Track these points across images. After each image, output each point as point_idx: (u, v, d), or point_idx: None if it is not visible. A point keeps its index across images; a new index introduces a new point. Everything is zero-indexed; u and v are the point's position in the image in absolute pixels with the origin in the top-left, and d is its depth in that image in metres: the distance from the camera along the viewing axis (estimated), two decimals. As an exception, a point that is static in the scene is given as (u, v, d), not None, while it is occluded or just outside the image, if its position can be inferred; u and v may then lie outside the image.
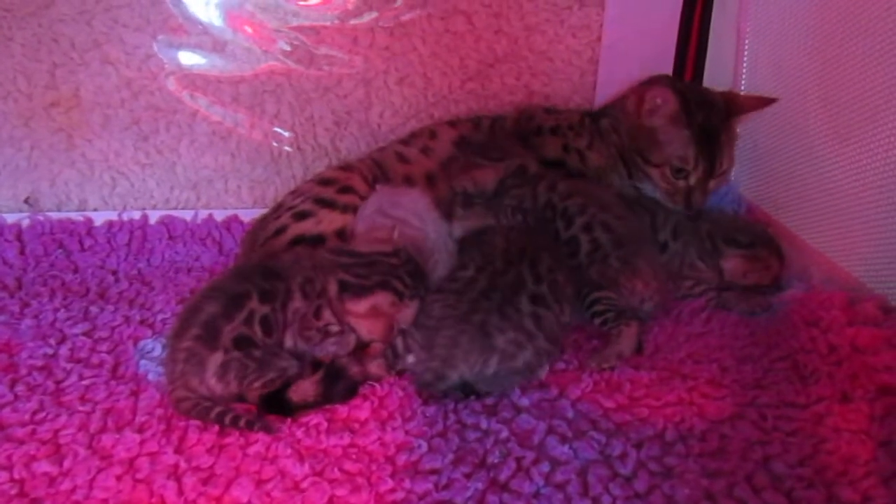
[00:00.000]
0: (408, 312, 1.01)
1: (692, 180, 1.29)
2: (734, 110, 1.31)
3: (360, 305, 1.00)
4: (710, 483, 0.82)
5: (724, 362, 1.05)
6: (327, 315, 1.01)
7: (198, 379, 0.95)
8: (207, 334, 0.96)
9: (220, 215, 1.49)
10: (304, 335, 1.01)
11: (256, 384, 0.96)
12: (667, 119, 1.28)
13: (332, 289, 1.01)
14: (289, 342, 1.01)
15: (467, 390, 0.98)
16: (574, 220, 1.16)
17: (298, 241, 1.17)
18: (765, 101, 1.31)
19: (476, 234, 1.16)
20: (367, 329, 1.01)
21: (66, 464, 0.87)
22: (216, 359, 0.95)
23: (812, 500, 0.78)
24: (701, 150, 1.27)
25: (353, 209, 1.20)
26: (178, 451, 0.89)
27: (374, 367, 1.02)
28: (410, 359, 1.02)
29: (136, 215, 1.47)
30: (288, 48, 1.42)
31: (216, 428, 0.92)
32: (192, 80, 1.42)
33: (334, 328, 1.01)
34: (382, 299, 1.00)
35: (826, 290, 1.08)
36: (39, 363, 1.07)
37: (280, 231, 1.19)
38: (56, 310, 1.22)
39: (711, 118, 1.28)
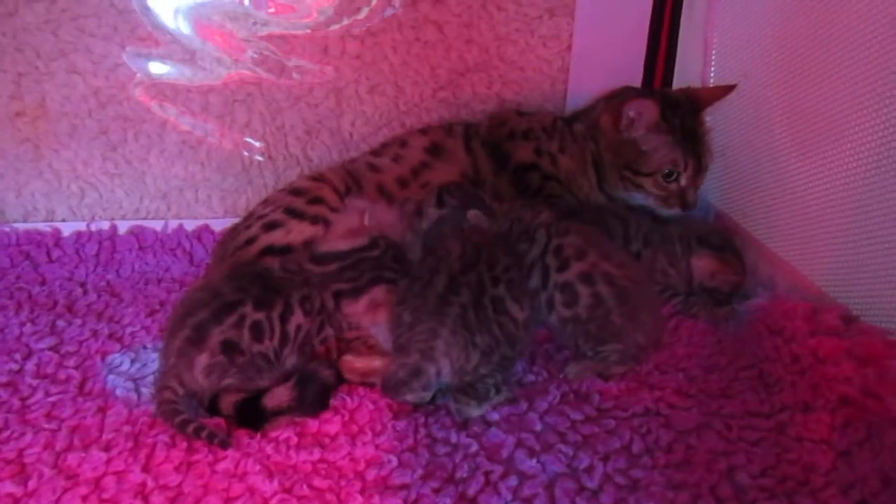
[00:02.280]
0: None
1: (683, 181, 1.33)
2: (699, 104, 1.35)
3: (359, 305, 1.03)
4: (675, 495, 0.83)
5: (690, 371, 1.07)
6: (328, 330, 1.06)
7: (189, 374, 0.97)
8: (197, 336, 0.98)
9: (190, 225, 1.48)
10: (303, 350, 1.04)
11: (231, 394, 0.97)
12: (647, 128, 1.31)
13: (331, 304, 1.05)
14: (290, 360, 1.03)
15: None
16: (570, 264, 1.06)
17: (267, 251, 1.16)
18: (724, 90, 1.34)
19: (434, 243, 1.12)
20: (371, 321, 1.04)
21: (31, 484, 0.86)
22: (203, 360, 0.97)
23: (774, 511, 0.79)
24: (686, 150, 1.31)
25: (323, 220, 1.20)
26: (145, 469, 0.88)
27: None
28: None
29: (105, 226, 1.46)
30: (258, 57, 1.41)
31: (184, 444, 0.92)
32: (161, 89, 1.41)
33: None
34: (378, 293, 1.03)
35: (790, 300, 1.10)
36: (4, 379, 1.06)
37: (250, 241, 1.18)
38: (22, 324, 1.20)
39: (685, 118, 1.32)
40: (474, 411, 0.98)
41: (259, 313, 1.00)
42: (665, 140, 1.31)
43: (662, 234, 1.29)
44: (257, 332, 0.99)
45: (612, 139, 1.35)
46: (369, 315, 1.03)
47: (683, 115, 1.32)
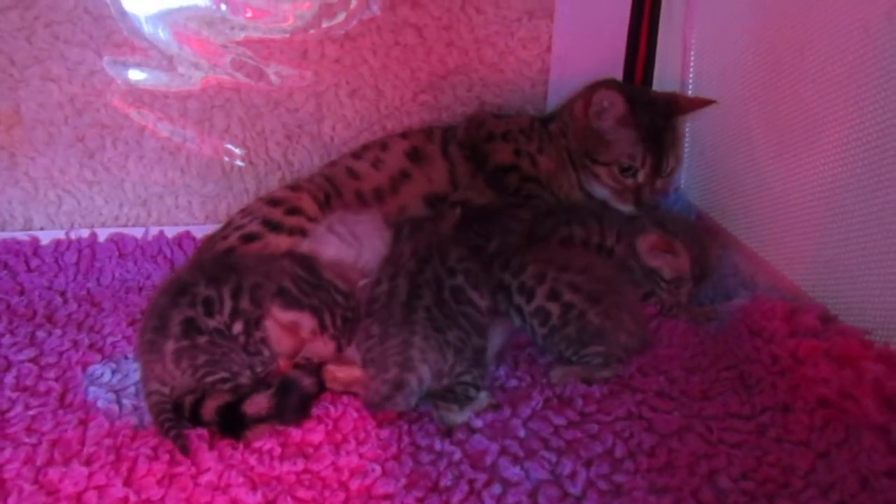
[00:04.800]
0: (321, 347, 1.03)
1: (640, 177, 1.33)
2: (676, 110, 1.36)
3: (285, 316, 1.01)
4: (657, 500, 0.83)
5: (672, 373, 1.07)
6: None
7: (160, 366, 0.99)
8: (161, 324, 1.00)
9: (171, 232, 1.47)
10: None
11: (209, 380, 0.98)
12: (614, 120, 1.32)
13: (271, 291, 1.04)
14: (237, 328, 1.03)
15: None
16: (535, 292, 1.10)
17: None
18: (704, 102, 1.35)
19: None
20: (277, 339, 1.03)
21: (11, 501, 0.85)
22: (169, 346, 0.98)
23: (754, 514, 0.80)
24: (648, 147, 1.31)
25: (301, 231, 1.21)
26: (126, 483, 0.88)
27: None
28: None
29: (85, 233, 1.44)
30: (236, 62, 1.40)
31: (166, 457, 0.91)
32: (138, 95, 1.39)
33: (266, 351, 1.03)
34: (307, 321, 1.01)
35: (769, 300, 1.11)
36: (-17, 393, 1.05)
37: (227, 253, 1.18)
38: (1, 335, 1.19)
39: (656, 118, 1.32)
40: (457, 417, 0.98)
41: (210, 289, 1.02)
42: (627, 134, 1.32)
43: (633, 228, 1.29)
44: (208, 307, 1.01)
45: (581, 125, 1.37)
46: (283, 334, 1.01)
47: (654, 116, 1.32)
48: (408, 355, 0.94)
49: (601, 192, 1.37)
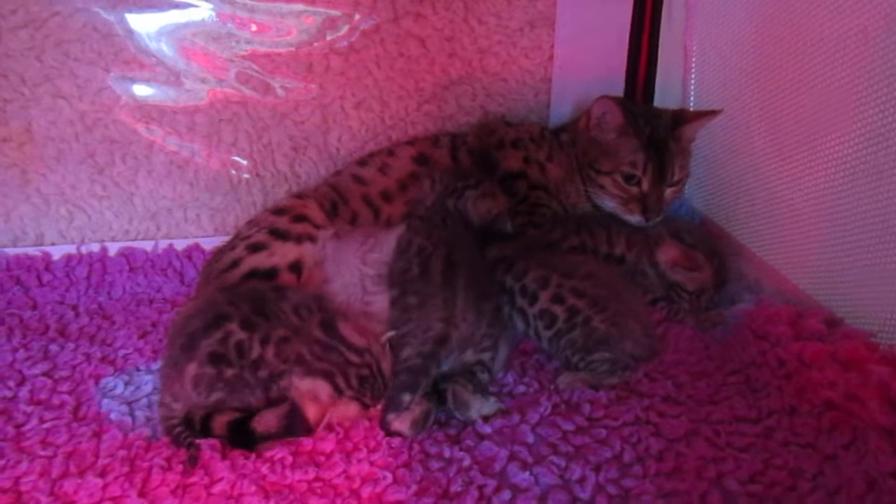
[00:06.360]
0: (345, 410, 0.99)
1: (644, 186, 1.33)
2: (680, 120, 1.35)
3: (303, 384, 0.98)
4: (665, 504, 0.84)
5: (679, 378, 1.08)
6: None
7: (178, 384, 0.98)
8: (189, 344, 0.99)
9: (180, 245, 1.49)
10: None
11: (223, 414, 0.98)
12: (614, 129, 1.33)
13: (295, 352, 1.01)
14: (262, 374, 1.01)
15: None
16: (538, 295, 1.13)
17: (252, 274, 1.17)
18: (710, 113, 1.35)
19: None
20: (302, 406, 0.97)
21: (28, 513, 0.86)
22: (192, 369, 0.97)
23: (762, 518, 0.81)
24: (650, 155, 1.32)
25: (308, 238, 1.21)
26: (141, 494, 0.89)
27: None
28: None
29: (95, 248, 1.46)
30: (242, 76, 1.42)
31: (180, 468, 0.92)
32: (147, 111, 1.41)
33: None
34: (321, 387, 0.97)
35: (774, 304, 1.11)
36: (-2, 407, 1.06)
37: (234, 264, 1.19)
38: (14, 349, 1.20)
39: (659, 129, 1.33)
40: (472, 402, 1.00)
41: (243, 333, 1.00)
42: (628, 142, 1.32)
43: (645, 235, 1.31)
44: (239, 351, 0.99)
45: (585, 138, 1.38)
46: (306, 402, 0.97)
47: (657, 126, 1.33)
48: (451, 311, 0.99)
49: (609, 204, 1.37)
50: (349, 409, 0.99)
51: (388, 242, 1.16)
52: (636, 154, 1.32)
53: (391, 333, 1.03)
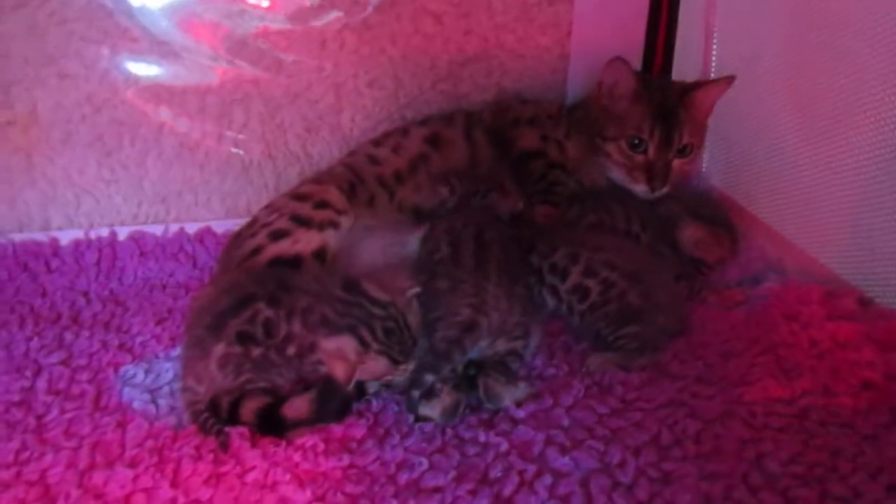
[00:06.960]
0: (373, 366, 0.96)
1: (651, 152, 1.30)
2: (692, 87, 1.32)
3: (329, 344, 0.95)
4: (708, 486, 0.83)
5: (708, 359, 1.07)
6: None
7: (202, 364, 0.97)
8: (215, 324, 0.98)
9: (191, 228, 1.45)
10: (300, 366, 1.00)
11: (249, 387, 0.97)
12: (623, 96, 1.30)
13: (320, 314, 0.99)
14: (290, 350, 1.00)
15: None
16: (570, 270, 1.11)
17: (275, 262, 1.15)
18: (724, 81, 1.31)
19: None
20: (332, 368, 0.96)
21: (60, 506, 0.84)
22: (219, 349, 0.96)
23: (807, 499, 0.80)
24: (656, 120, 1.28)
25: (332, 225, 1.19)
26: (173, 484, 0.87)
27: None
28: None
29: (104, 232, 1.42)
30: (254, 55, 1.38)
31: (210, 457, 0.91)
32: (156, 92, 1.37)
33: (322, 369, 0.98)
34: (347, 343, 0.95)
35: (803, 284, 1.11)
36: (17, 398, 1.04)
37: (256, 251, 1.16)
38: (28, 338, 1.17)
39: (670, 97, 1.30)
40: (505, 393, 0.98)
41: (270, 310, 0.99)
42: (635, 108, 1.29)
43: (658, 213, 1.30)
44: (268, 329, 0.98)
45: (596, 106, 1.35)
46: (332, 362, 0.95)
47: (667, 94, 1.30)
48: (482, 298, 0.96)
49: (616, 173, 1.34)
50: (378, 364, 0.96)
51: (411, 243, 1.15)
52: (643, 119, 1.29)
53: (417, 289, 1.00)
